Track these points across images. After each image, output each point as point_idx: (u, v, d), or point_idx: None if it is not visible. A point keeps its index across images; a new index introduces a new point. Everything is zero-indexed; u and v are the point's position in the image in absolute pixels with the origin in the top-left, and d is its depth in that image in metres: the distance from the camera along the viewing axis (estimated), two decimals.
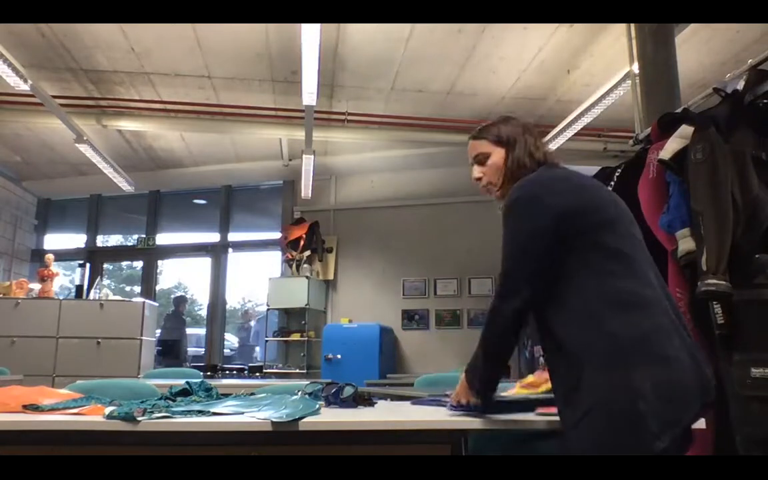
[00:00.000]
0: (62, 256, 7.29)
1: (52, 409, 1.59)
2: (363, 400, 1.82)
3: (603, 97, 4.54)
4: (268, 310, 6.68)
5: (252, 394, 1.95)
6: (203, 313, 8.01)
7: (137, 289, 8.63)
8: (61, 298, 5.50)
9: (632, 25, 3.74)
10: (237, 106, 5.49)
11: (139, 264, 8.43)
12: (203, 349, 7.43)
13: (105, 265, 8.14)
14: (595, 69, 4.79)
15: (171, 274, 9.89)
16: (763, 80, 2.10)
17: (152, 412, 1.49)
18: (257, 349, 8.13)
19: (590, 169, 3.11)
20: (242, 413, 1.57)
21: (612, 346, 1.20)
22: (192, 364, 6.55)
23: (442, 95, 5.27)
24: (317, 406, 1.63)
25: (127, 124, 5.64)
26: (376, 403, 1.86)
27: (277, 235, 7.30)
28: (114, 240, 8.22)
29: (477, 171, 1.59)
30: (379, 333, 5.99)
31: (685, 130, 2.20)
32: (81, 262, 7.02)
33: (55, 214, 7.96)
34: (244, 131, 5.87)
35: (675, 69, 3.39)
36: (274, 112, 5.56)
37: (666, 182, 2.35)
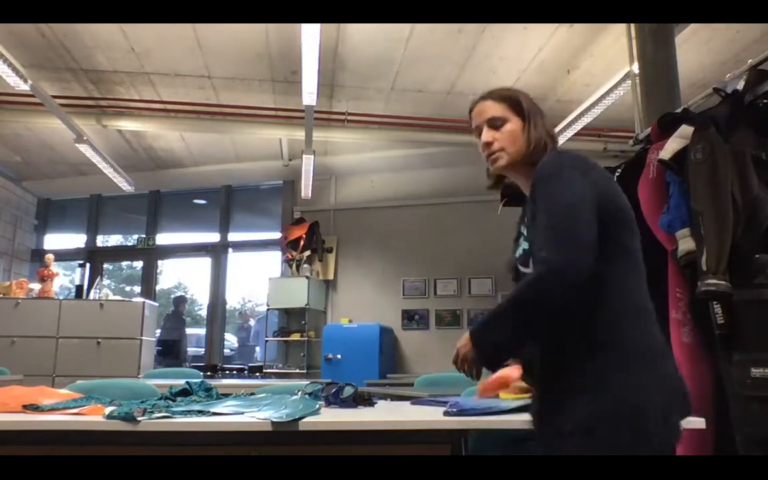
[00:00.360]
0: (62, 256, 7.28)
1: (52, 409, 1.59)
2: (363, 400, 1.82)
3: (603, 97, 4.54)
4: (268, 310, 6.68)
5: (252, 394, 1.95)
6: (203, 313, 8.01)
7: (137, 289, 8.63)
8: (61, 298, 5.50)
9: (632, 25, 3.74)
10: (237, 106, 5.49)
11: (139, 264, 8.42)
12: (203, 349, 7.43)
13: (105, 265, 8.14)
14: (595, 69, 4.79)
15: (171, 274, 9.89)
16: (763, 80, 2.10)
17: (152, 412, 1.49)
18: (257, 349, 8.13)
19: None
20: (242, 413, 1.58)
21: (647, 348, 1.20)
22: (192, 364, 6.54)
23: (442, 95, 5.27)
24: (317, 406, 1.63)
25: (127, 124, 5.64)
26: (376, 403, 1.86)
27: (277, 235, 7.30)
28: (114, 240, 8.22)
29: (488, 134, 1.40)
30: (379, 333, 5.99)
31: (685, 130, 2.20)
32: (81, 262, 7.01)
33: (55, 214, 7.96)
34: (244, 131, 5.87)
35: (675, 69, 3.39)
36: (274, 112, 5.56)
37: (666, 182, 2.35)
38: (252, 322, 8.62)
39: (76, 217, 7.88)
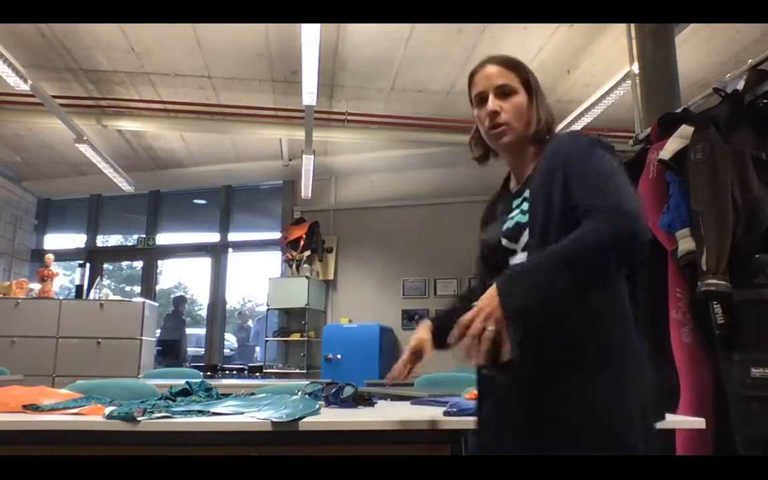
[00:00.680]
0: (62, 256, 7.28)
1: (52, 409, 1.59)
2: (363, 400, 1.82)
3: (603, 97, 4.54)
4: (268, 310, 6.68)
5: (252, 394, 1.95)
6: (203, 313, 8.01)
7: (137, 289, 8.63)
8: (61, 298, 5.50)
9: (632, 25, 3.74)
10: (237, 106, 5.50)
11: (139, 264, 8.43)
12: (203, 349, 7.43)
13: (105, 265, 8.14)
14: (595, 69, 4.79)
15: (171, 274, 9.91)
16: (763, 80, 2.10)
17: (152, 412, 1.49)
18: (257, 349, 8.13)
19: None
20: (242, 413, 1.58)
21: (637, 351, 1.17)
22: (192, 364, 6.54)
23: (442, 95, 5.27)
24: (317, 406, 1.63)
25: (127, 124, 5.64)
26: (376, 403, 1.86)
27: (277, 235, 7.30)
28: (114, 240, 8.22)
29: (495, 103, 1.27)
30: (379, 333, 5.99)
31: (685, 130, 2.20)
32: (81, 262, 7.01)
33: (55, 214, 7.96)
34: (244, 131, 5.87)
35: (675, 69, 3.39)
36: (274, 112, 5.56)
37: (666, 182, 2.35)
38: (251, 323, 8.63)
39: (76, 217, 7.88)
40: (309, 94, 4.42)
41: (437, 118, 5.57)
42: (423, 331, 1.44)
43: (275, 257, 7.36)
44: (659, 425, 1.18)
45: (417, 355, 1.44)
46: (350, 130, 5.75)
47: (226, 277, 7.52)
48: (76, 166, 6.80)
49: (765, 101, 2.08)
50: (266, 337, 6.77)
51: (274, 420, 1.45)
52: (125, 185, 6.56)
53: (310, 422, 1.47)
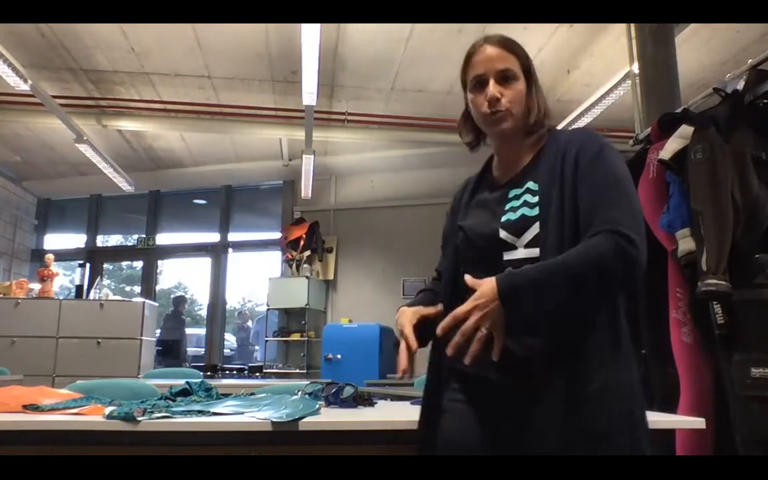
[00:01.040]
0: (62, 256, 7.29)
1: (52, 409, 1.59)
2: (363, 400, 1.82)
3: (603, 97, 4.54)
4: (268, 310, 6.68)
5: (252, 394, 1.95)
6: (203, 313, 8.01)
7: (137, 289, 8.63)
8: (61, 298, 5.50)
9: (632, 25, 3.74)
10: (237, 106, 5.50)
11: (139, 264, 8.43)
12: (203, 349, 7.43)
13: (105, 265, 8.15)
14: (595, 69, 4.79)
15: (171, 274, 9.92)
16: (763, 80, 2.10)
17: (152, 412, 1.49)
18: (257, 348, 8.13)
19: None
20: (242, 413, 1.57)
21: (631, 358, 1.17)
22: (192, 364, 6.55)
23: (442, 95, 5.27)
24: (317, 406, 1.63)
25: (127, 124, 5.64)
26: (376, 403, 1.86)
27: (277, 235, 7.30)
28: (114, 240, 8.23)
29: (497, 88, 1.21)
30: (379, 333, 5.99)
31: (685, 130, 2.20)
32: (81, 262, 7.01)
33: (55, 214, 7.96)
34: (244, 131, 5.87)
35: (675, 69, 3.39)
36: (274, 112, 5.56)
37: (666, 182, 2.35)
38: (251, 323, 8.62)
39: (76, 217, 7.89)
40: (309, 94, 4.42)
41: (437, 118, 5.58)
42: (408, 326, 1.29)
43: (275, 257, 7.36)
44: (659, 425, 1.18)
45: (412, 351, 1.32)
46: (350, 130, 5.75)
47: (226, 277, 7.52)
48: (76, 166, 6.80)
49: (765, 101, 2.08)
50: (266, 337, 6.77)
51: (274, 420, 1.45)
52: (125, 185, 6.56)
53: (310, 422, 1.47)
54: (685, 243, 2.17)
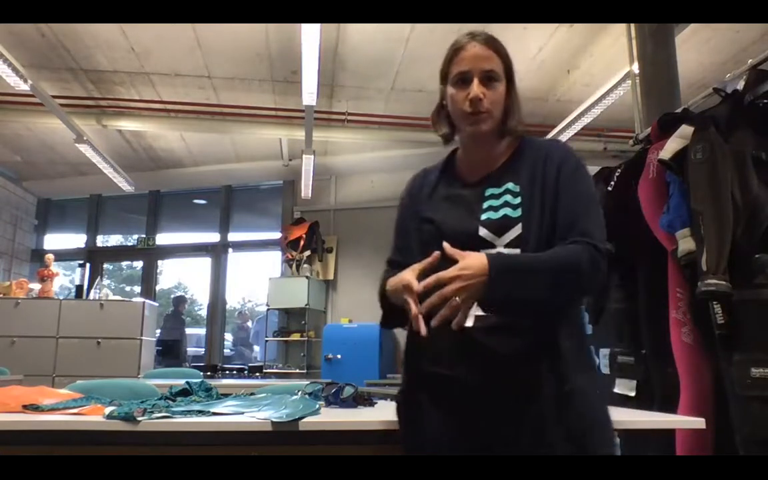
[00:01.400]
0: (62, 256, 7.29)
1: (52, 409, 1.59)
2: (363, 400, 1.82)
3: (603, 97, 4.54)
4: (268, 310, 6.68)
5: (252, 394, 1.95)
6: (203, 313, 8.01)
7: (137, 289, 8.63)
8: (61, 298, 5.51)
9: (632, 25, 3.74)
10: (237, 106, 5.50)
11: (139, 264, 8.43)
12: (203, 349, 7.43)
13: (105, 265, 8.15)
14: (595, 69, 4.79)
15: (171, 274, 9.91)
16: (763, 80, 2.10)
17: (152, 412, 1.49)
18: (256, 348, 8.13)
19: (590, 169, 3.11)
20: (242, 413, 1.58)
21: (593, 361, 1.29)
22: (192, 364, 6.54)
23: None
24: (317, 406, 1.63)
25: (127, 124, 5.64)
26: (376, 403, 1.86)
27: (277, 235, 7.30)
28: (114, 240, 8.22)
29: (480, 88, 1.23)
30: (379, 333, 5.99)
31: (685, 130, 2.20)
32: (81, 262, 7.02)
33: (55, 214, 7.96)
34: (244, 131, 5.87)
35: (675, 69, 3.39)
36: (274, 112, 5.56)
37: (666, 182, 2.35)
38: (250, 323, 8.62)
39: (76, 217, 7.89)
40: (309, 94, 4.42)
41: None
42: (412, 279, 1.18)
43: (275, 257, 7.36)
44: (659, 425, 1.20)
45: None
46: (350, 130, 5.75)
47: (226, 277, 7.52)
48: (76, 166, 6.80)
49: (765, 101, 2.08)
50: (266, 337, 6.77)
51: (274, 420, 1.45)
52: (125, 185, 6.56)
53: (310, 422, 1.47)
54: (685, 243, 2.17)
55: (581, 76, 4.95)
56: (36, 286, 5.56)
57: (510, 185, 1.23)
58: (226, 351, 7.75)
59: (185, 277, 10.20)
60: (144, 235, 7.64)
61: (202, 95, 5.34)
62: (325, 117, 5.58)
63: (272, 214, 7.48)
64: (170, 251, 7.93)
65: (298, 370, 6.30)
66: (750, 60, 2.19)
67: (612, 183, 2.71)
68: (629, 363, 2.62)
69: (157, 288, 7.99)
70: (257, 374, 5.66)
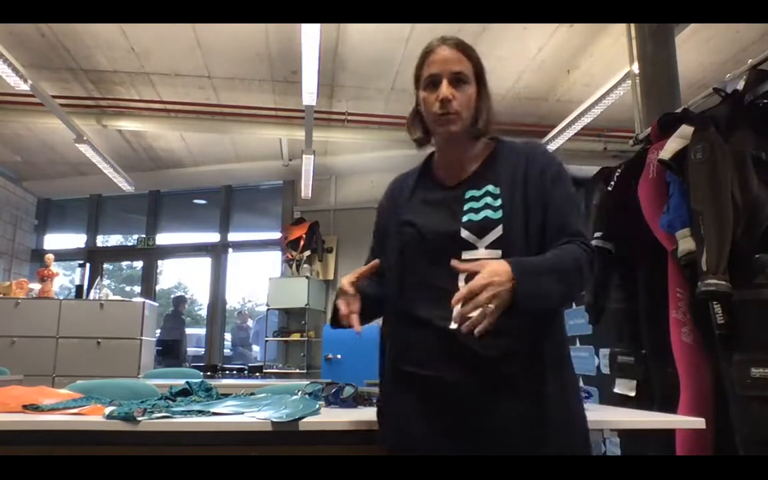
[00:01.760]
0: (62, 256, 7.29)
1: (52, 409, 1.59)
2: (363, 400, 1.82)
3: (603, 97, 4.54)
4: (268, 310, 6.68)
5: (252, 394, 1.95)
6: (203, 313, 8.01)
7: (137, 289, 8.63)
8: (61, 298, 5.50)
9: (632, 25, 3.74)
10: (237, 106, 5.50)
11: (139, 264, 8.43)
12: (203, 349, 7.43)
13: (105, 265, 8.15)
14: (595, 69, 4.79)
15: (171, 274, 9.92)
16: (763, 80, 2.10)
17: (152, 412, 1.49)
18: (256, 348, 8.12)
19: (590, 169, 3.11)
20: (242, 413, 1.58)
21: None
22: (192, 364, 6.54)
23: None
24: (317, 406, 1.63)
25: (127, 124, 5.64)
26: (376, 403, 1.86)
27: (277, 235, 7.30)
28: (114, 240, 8.22)
29: (449, 89, 1.24)
30: (379, 333, 5.98)
31: (685, 130, 2.20)
32: (81, 262, 7.02)
33: (55, 214, 7.96)
34: (244, 131, 5.87)
35: (675, 69, 3.39)
36: (274, 112, 5.56)
37: (666, 182, 2.35)
38: (250, 323, 8.61)
39: (76, 217, 7.89)
40: (309, 94, 4.42)
41: None
42: (345, 282, 1.33)
43: (275, 257, 7.36)
44: (659, 425, 1.20)
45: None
46: (350, 130, 5.75)
47: (226, 277, 7.52)
48: (76, 166, 6.80)
49: (765, 101, 2.08)
50: (266, 337, 6.77)
51: (274, 420, 1.45)
52: (125, 185, 6.56)
53: (310, 422, 1.48)
54: (685, 243, 2.17)
55: (581, 76, 4.95)
56: (36, 286, 5.56)
57: (490, 187, 1.25)
58: (226, 351, 7.74)
59: (185, 277, 10.21)
60: (144, 235, 7.64)
61: (202, 95, 5.34)
62: (325, 117, 5.58)
63: (272, 214, 7.48)
64: (170, 251, 7.92)
65: (298, 370, 6.29)
66: (750, 60, 2.19)
67: (612, 183, 2.71)
68: (629, 363, 2.62)
69: (157, 288, 7.99)
70: (257, 374, 5.66)
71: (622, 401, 2.56)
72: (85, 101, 5.35)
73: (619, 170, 2.73)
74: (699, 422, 1.54)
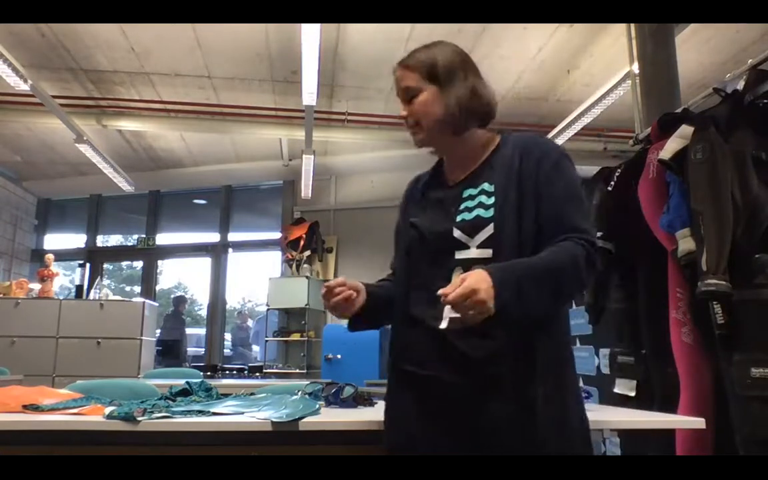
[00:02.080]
0: (62, 256, 7.29)
1: (52, 409, 1.59)
2: (363, 400, 1.82)
3: (603, 97, 4.54)
4: (268, 310, 6.68)
5: (252, 394, 1.95)
6: (203, 313, 8.01)
7: (137, 289, 8.63)
8: (61, 298, 5.51)
9: (632, 25, 3.73)
10: (237, 106, 5.50)
11: (139, 264, 8.43)
12: (203, 349, 7.43)
13: (105, 265, 8.15)
14: (595, 69, 4.79)
15: (171, 274, 9.92)
16: (763, 80, 2.10)
17: (152, 412, 1.49)
18: (256, 348, 8.12)
19: (590, 169, 3.11)
20: (242, 413, 1.58)
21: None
22: (192, 364, 6.54)
23: None
24: (317, 406, 1.63)
25: (127, 124, 5.64)
26: (376, 403, 1.86)
27: (277, 235, 7.30)
28: (114, 240, 8.22)
29: (403, 109, 1.30)
30: (379, 333, 5.98)
31: (685, 130, 2.20)
32: (81, 262, 7.02)
33: (55, 214, 7.96)
34: (244, 131, 5.87)
35: (675, 69, 3.39)
36: (274, 112, 5.56)
37: (666, 182, 2.35)
38: (250, 323, 8.61)
39: (76, 217, 7.89)
40: (309, 94, 4.42)
41: None
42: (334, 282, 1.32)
43: (275, 257, 7.36)
44: (659, 425, 1.20)
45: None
46: (350, 130, 5.75)
47: (226, 277, 7.52)
48: (76, 166, 6.80)
49: (765, 101, 2.07)
50: (266, 337, 6.77)
51: (274, 420, 1.45)
52: (125, 185, 6.56)
53: (310, 422, 1.47)
54: (685, 243, 2.17)
55: (581, 76, 4.95)
56: (36, 286, 5.56)
57: (485, 185, 1.23)
58: (226, 351, 7.74)
59: (185, 277, 10.21)
60: (144, 235, 7.64)
61: (202, 95, 5.34)
62: (325, 117, 5.58)
63: (272, 214, 7.48)
64: (170, 251, 7.92)
65: (298, 370, 6.29)
66: (750, 60, 2.19)
67: (612, 183, 2.71)
68: (629, 363, 2.62)
69: (157, 288, 7.98)
70: (257, 374, 5.66)
71: (622, 401, 2.56)
72: (85, 101, 5.35)
73: (619, 170, 2.73)
74: (699, 422, 1.54)
